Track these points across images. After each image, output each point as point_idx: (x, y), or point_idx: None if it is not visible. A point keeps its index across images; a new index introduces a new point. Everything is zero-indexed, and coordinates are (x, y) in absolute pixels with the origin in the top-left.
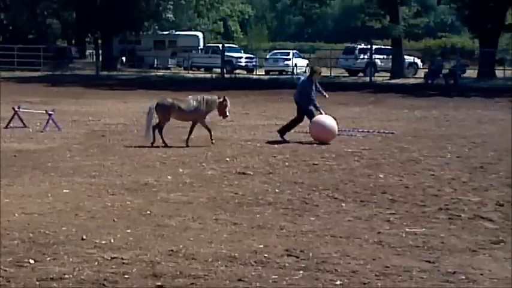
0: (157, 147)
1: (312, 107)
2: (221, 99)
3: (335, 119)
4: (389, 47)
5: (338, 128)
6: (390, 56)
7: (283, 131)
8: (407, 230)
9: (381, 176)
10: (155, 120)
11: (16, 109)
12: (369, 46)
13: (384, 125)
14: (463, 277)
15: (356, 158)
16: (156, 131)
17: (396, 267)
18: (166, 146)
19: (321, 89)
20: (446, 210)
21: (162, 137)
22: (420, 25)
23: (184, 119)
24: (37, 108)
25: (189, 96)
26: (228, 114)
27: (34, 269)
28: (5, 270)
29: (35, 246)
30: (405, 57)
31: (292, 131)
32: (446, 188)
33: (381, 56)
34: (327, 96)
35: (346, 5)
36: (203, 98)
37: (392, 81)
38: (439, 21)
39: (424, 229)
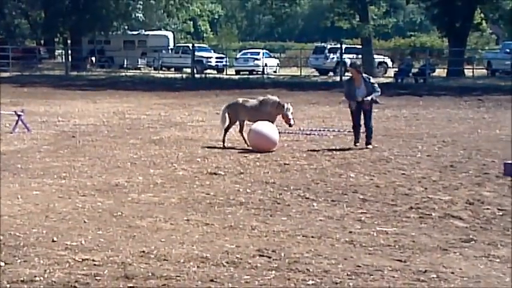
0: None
1: None
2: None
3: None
4: (359, 47)
5: (300, 127)
6: (360, 56)
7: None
8: (378, 229)
9: (352, 175)
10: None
11: None
12: (338, 45)
13: None
14: (434, 276)
15: (327, 157)
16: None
17: (368, 267)
18: (224, 147)
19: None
20: (417, 209)
21: (224, 137)
22: (389, 24)
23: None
24: (6, 109)
25: (259, 98)
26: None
27: (4, 271)
28: None
29: (5, 249)
30: (375, 56)
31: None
32: (416, 187)
33: (351, 56)
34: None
35: (315, 4)
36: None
37: None
38: (408, 20)
39: (395, 228)
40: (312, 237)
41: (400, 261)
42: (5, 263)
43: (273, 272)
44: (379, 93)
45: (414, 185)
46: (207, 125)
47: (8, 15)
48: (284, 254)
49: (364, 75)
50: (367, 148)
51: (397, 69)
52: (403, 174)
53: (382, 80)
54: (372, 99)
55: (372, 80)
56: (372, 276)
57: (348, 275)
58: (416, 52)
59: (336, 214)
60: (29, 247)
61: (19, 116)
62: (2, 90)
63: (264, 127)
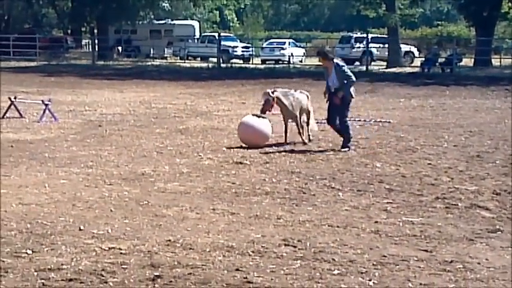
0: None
1: None
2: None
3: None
4: (385, 36)
5: (322, 118)
6: (386, 45)
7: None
8: (404, 219)
9: (378, 165)
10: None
11: (12, 99)
12: (365, 35)
13: (380, 114)
14: (460, 266)
15: (353, 147)
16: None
17: (393, 257)
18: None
19: None
20: (443, 200)
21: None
22: (416, 14)
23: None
24: (33, 98)
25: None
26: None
27: (32, 259)
28: (3, 261)
29: (32, 237)
30: (401, 46)
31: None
32: (443, 177)
33: (377, 45)
34: None
35: None
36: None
37: (389, 70)
38: (435, 9)
39: (421, 218)
40: (338, 227)
41: (426, 251)
42: (33, 251)
43: (299, 261)
44: (353, 81)
45: (440, 175)
46: (233, 114)
47: (36, 5)
48: (309, 244)
49: (336, 61)
50: (343, 151)
51: (423, 59)
52: (429, 164)
53: (409, 69)
54: (343, 94)
55: (345, 67)
56: (397, 266)
57: (373, 264)
58: (443, 41)
59: (362, 204)
60: (56, 235)
61: (46, 105)
62: (29, 80)
63: (255, 121)
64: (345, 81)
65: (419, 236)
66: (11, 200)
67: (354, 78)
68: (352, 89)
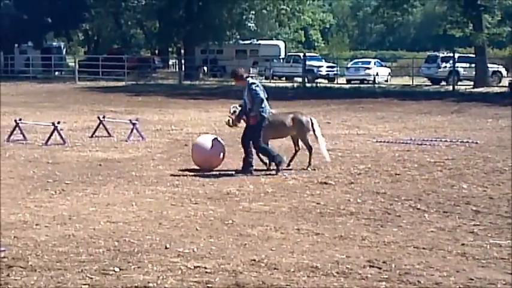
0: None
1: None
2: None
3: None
4: (472, 55)
5: (412, 137)
6: (473, 65)
7: None
8: (491, 241)
9: (465, 186)
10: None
11: (101, 119)
12: (451, 54)
13: (467, 134)
14: None
15: (439, 168)
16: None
17: (480, 280)
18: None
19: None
20: None
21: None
22: (504, 33)
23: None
24: (121, 117)
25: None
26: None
27: (119, 277)
28: (91, 278)
29: (120, 255)
30: (489, 65)
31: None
32: None
33: (464, 65)
34: None
35: (428, 12)
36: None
37: (476, 89)
38: None
39: (509, 241)
40: (423, 248)
41: None
42: (120, 269)
43: (384, 283)
44: (260, 100)
45: None
46: None
47: (124, 26)
48: (395, 265)
49: (250, 80)
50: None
51: (511, 79)
52: None
53: (496, 89)
54: (256, 114)
55: (256, 85)
56: None
57: (460, 287)
58: None
59: (448, 226)
60: (142, 253)
61: (134, 124)
62: (117, 99)
63: (208, 141)
64: (254, 100)
65: (507, 259)
66: (99, 218)
67: (261, 97)
68: (266, 109)
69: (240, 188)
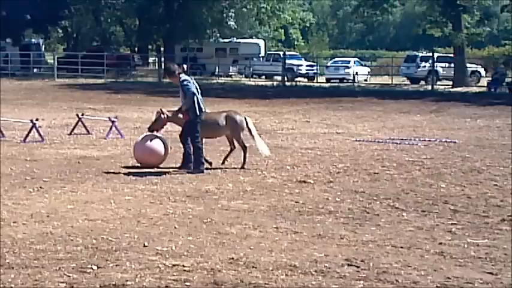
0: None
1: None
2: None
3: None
4: (451, 55)
5: (391, 136)
6: (452, 64)
7: None
8: (469, 241)
9: (443, 185)
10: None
11: (80, 116)
12: (430, 54)
13: (446, 133)
14: None
15: (417, 167)
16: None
17: (458, 279)
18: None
19: None
20: (509, 221)
21: None
22: (483, 33)
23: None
24: (100, 115)
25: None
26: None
27: (97, 275)
28: (69, 276)
29: (98, 253)
30: (468, 65)
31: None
32: (509, 199)
33: (443, 64)
34: None
35: (407, 12)
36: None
37: (455, 89)
38: (503, 28)
39: (486, 240)
40: (401, 247)
41: (492, 274)
42: (98, 267)
43: (361, 281)
44: (191, 95)
45: (506, 197)
46: (297, 133)
47: (104, 23)
48: (373, 264)
49: (182, 77)
50: (186, 172)
51: (490, 79)
52: (495, 185)
53: (475, 89)
54: (187, 107)
55: (188, 81)
56: None
57: (437, 286)
58: (510, 61)
59: (426, 225)
60: (121, 251)
61: (113, 122)
62: (96, 97)
63: (150, 140)
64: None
65: (485, 258)
66: (77, 215)
67: (192, 91)
68: (201, 106)
69: (219, 186)
